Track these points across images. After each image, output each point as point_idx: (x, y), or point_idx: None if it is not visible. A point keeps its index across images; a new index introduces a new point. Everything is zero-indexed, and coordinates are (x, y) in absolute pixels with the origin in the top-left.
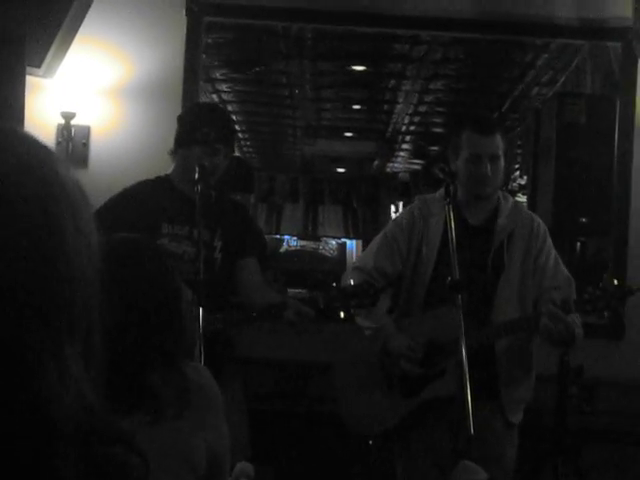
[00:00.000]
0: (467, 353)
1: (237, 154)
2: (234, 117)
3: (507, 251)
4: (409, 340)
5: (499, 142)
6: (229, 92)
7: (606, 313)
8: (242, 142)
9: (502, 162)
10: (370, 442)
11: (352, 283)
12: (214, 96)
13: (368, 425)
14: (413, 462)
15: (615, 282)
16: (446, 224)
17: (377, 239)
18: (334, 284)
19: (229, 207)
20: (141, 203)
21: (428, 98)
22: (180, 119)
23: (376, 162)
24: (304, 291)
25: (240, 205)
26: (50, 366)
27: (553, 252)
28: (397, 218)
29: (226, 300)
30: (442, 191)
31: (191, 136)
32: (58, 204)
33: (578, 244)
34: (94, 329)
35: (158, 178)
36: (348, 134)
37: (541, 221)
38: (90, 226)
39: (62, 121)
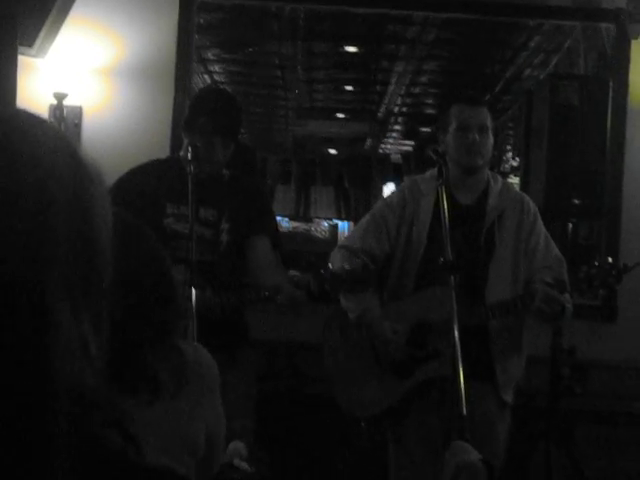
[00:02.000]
0: (460, 334)
1: None
2: None
3: (498, 231)
4: (392, 325)
5: (487, 114)
6: (221, 73)
7: (601, 291)
8: None
9: (491, 137)
10: (362, 424)
11: (345, 266)
12: (206, 77)
13: (363, 407)
14: (405, 444)
15: (609, 259)
16: (437, 204)
17: (365, 218)
18: (328, 267)
19: (242, 187)
20: (148, 182)
21: (421, 79)
22: (189, 104)
23: (368, 143)
24: (297, 272)
25: (255, 185)
26: (66, 323)
27: (544, 232)
28: (387, 198)
29: (233, 281)
30: (433, 171)
31: (191, 124)
32: (83, 183)
33: (570, 226)
34: (105, 301)
35: (169, 158)
36: (340, 115)
37: (531, 201)
38: (108, 204)
39: (54, 101)
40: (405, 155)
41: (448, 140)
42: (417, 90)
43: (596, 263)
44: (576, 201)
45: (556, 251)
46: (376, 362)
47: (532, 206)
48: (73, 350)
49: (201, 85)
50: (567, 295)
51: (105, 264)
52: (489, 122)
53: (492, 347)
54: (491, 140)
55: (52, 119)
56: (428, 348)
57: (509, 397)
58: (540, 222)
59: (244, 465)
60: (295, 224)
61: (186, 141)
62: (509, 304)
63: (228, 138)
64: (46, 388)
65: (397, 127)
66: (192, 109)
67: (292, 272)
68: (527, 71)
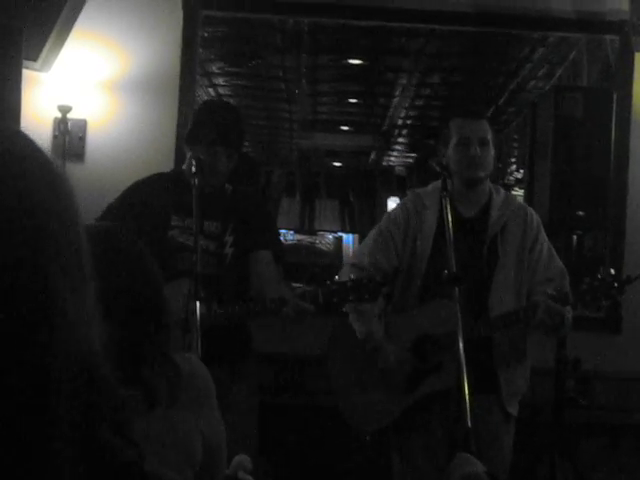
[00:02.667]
0: (464, 346)
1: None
2: None
3: (501, 243)
4: (396, 351)
5: (487, 127)
6: (225, 86)
7: (604, 302)
8: None
9: (492, 149)
10: (367, 438)
11: (351, 276)
12: (210, 90)
13: (368, 420)
14: (409, 456)
15: (612, 271)
16: (440, 217)
17: (372, 234)
18: (335, 278)
19: (245, 201)
20: (152, 195)
21: (425, 92)
22: (192, 116)
23: (372, 156)
24: (301, 285)
25: (257, 199)
26: (69, 301)
27: (547, 243)
28: (391, 213)
29: (238, 294)
30: (435, 184)
31: (194, 136)
32: (60, 187)
33: (575, 237)
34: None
35: (173, 171)
36: (344, 128)
37: (534, 212)
38: (78, 220)
39: (59, 115)
40: (409, 168)
41: (449, 154)
42: (421, 103)
43: (599, 275)
44: (580, 213)
45: (559, 262)
46: (381, 375)
47: (535, 217)
48: (78, 327)
49: (205, 98)
50: (569, 307)
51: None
52: (490, 135)
53: (496, 359)
54: (492, 153)
55: (56, 133)
56: (432, 361)
57: (514, 409)
58: (543, 233)
59: (249, 478)
60: (300, 237)
61: (189, 154)
62: (512, 316)
63: (231, 149)
64: (52, 365)
65: (401, 140)
66: (195, 121)
67: (296, 285)
68: (531, 83)
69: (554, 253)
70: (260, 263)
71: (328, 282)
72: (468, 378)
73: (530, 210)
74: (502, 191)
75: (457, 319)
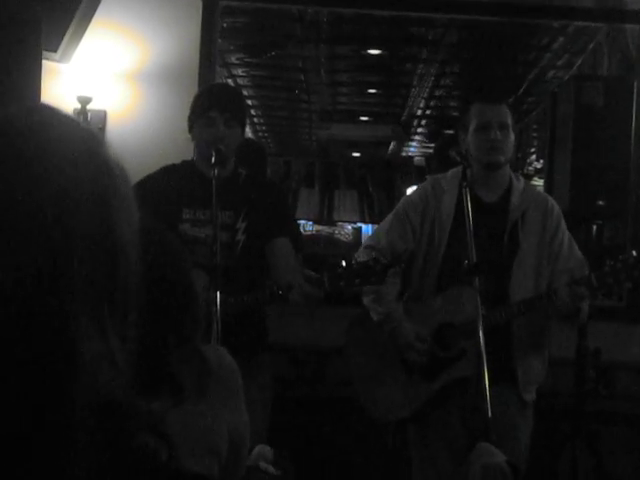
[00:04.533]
0: (484, 335)
1: (249, 136)
2: (249, 102)
3: (522, 230)
4: (416, 329)
5: (507, 112)
6: (245, 77)
7: (627, 285)
8: (257, 127)
9: (512, 134)
10: (389, 428)
11: (358, 259)
12: (230, 80)
13: (389, 411)
14: (428, 446)
15: (634, 253)
16: (459, 203)
17: (389, 217)
18: (343, 263)
19: (259, 187)
20: (163, 189)
21: (444, 81)
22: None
23: (391, 146)
24: (312, 272)
25: (273, 185)
26: (91, 336)
27: (567, 233)
28: (409, 196)
29: (249, 282)
30: (454, 170)
31: (192, 114)
32: (107, 189)
33: (594, 227)
34: (131, 308)
35: (184, 162)
36: (363, 118)
37: (555, 202)
38: (133, 206)
39: (78, 106)
40: (428, 158)
41: (469, 139)
42: (440, 93)
43: (620, 257)
44: (601, 202)
45: (579, 253)
46: (402, 365)
47: (556, 207)
48: (100, 365)
49: None
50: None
51: (129, 272)
52: (509, 119)
53: (514, 348)
54: (512, 137)
55: None
56: (453, 349)
57: (530, 396)
58: (563, 223)
59: (270, 468)
60: (319, 227)
61: (194, 142)
62: (533, 301)
63: (227, 113)
64: (68, 404)
65: (421, 130)
66: (192, 104)
67: (307, 271)
68: (551, 72)
69: (574, 244)
70: (279, 252)
71: (335, 266)
72: (487, 366)
73: (551, 200)
74: (522, 179)
75: (477, 309)
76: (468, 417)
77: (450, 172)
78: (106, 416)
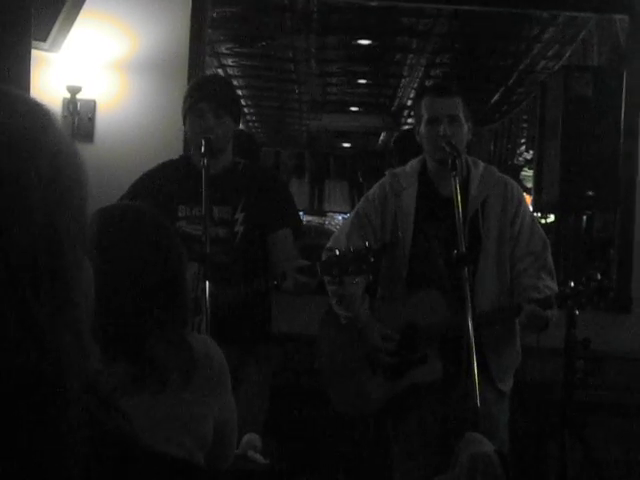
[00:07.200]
0: (446, 334)
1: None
2: (239, 92)
3: (483, 219)
4: (383, 330)
5: (457, 104)
6: (234, 67)
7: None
8: (247, 117)
9: (463, 125)
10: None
11: (352, 249)
12: (220, 70)
13: (352, 407)
14: (402, 439)
15: (598, 276)
16: (420, 197)
17: (349, 218)
18: (336, 251)
19: (259, 177)
20: (157, 187)
21: (434, 72)
22: None
23: (382, 137)
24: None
25: (271, 176)
26: (55, 324)
27: (529, 215)
28: (368, 194)
29: (246, 273)
30: (413, 164)
31: (184, 106)
32: (60, 171)
33: (584, 218)
34: (80, 300)
35: (181, 157)
36: (354, 108)
37: (515, 184)
38: (82, 189)
39: (68, 95)
40: (390, 149)
41: (421, 133)
42: (430, 83)
43: (583, 279)
44: (590, 193)
45: (541, 234)
46: (366, 362)
47: (516, 189)
48: (70, 348)
49: None
50: (554, 310)
51: (75, 253)
52: (460, 111)
53: (483, 342)
54: (464, 129)
55: (65, 113)
56: (419, 352)
57: (505, 386)
58: (525, 205)
59: (258, 457)
60: (309, 218)
61: (187, 135)
62: (496, 314)
63: (215, 104)
64: (57, 383)
65: (410, 120)
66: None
67: (300, 260)
68: (541, 63)
69: (536, 225)
70: (280, 244)
71: (327, 255)
72: (456, 363)
73: (510, 182)
74: (481, 164)
75: (467, 296)
76: (453, 408)
77: (409, 166)
78: (86, 401)
